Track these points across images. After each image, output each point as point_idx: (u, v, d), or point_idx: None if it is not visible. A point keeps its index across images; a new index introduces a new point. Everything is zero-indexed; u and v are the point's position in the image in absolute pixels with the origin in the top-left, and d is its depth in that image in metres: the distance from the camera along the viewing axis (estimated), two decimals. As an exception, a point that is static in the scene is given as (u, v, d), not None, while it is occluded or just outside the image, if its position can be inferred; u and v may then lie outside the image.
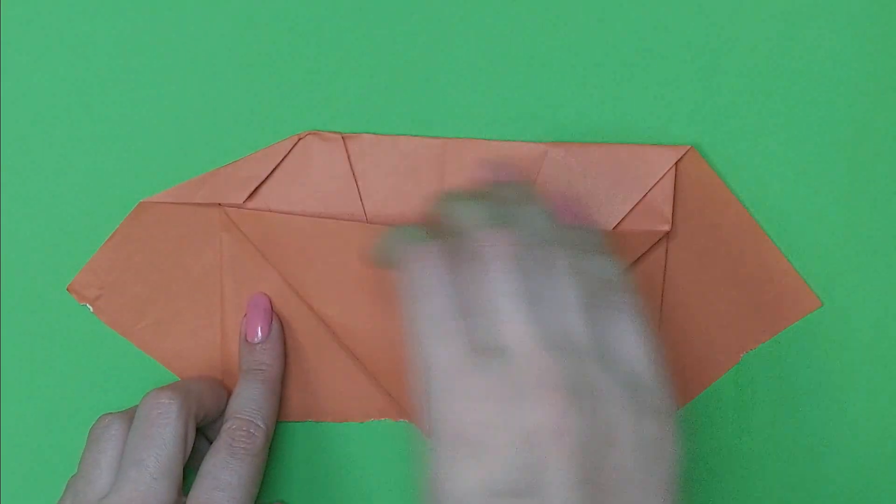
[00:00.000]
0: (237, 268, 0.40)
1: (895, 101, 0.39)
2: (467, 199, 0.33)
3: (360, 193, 0.39)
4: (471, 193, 0.35)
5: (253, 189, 0.39)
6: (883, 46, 0.38)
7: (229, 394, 0.39)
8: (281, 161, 0.39)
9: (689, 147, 0.39)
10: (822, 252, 0.40)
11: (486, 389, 0.28)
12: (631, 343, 0.30)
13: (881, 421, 0.42)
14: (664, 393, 0.30)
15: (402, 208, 0.39)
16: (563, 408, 0.27)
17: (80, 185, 0.40)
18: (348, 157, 0.39)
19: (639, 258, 0.39)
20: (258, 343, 0.40)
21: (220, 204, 0.40)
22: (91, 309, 0.41)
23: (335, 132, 0.39)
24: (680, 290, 0.40)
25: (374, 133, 0.39)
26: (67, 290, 0.41)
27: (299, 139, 0.39)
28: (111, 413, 0.38)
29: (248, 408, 0.38)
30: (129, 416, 0.38)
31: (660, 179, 0.39)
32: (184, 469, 0.37)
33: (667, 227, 0.39)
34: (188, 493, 0.36)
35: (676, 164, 0.39)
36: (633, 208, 0.39)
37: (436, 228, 0.34)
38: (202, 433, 0.40)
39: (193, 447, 0.37)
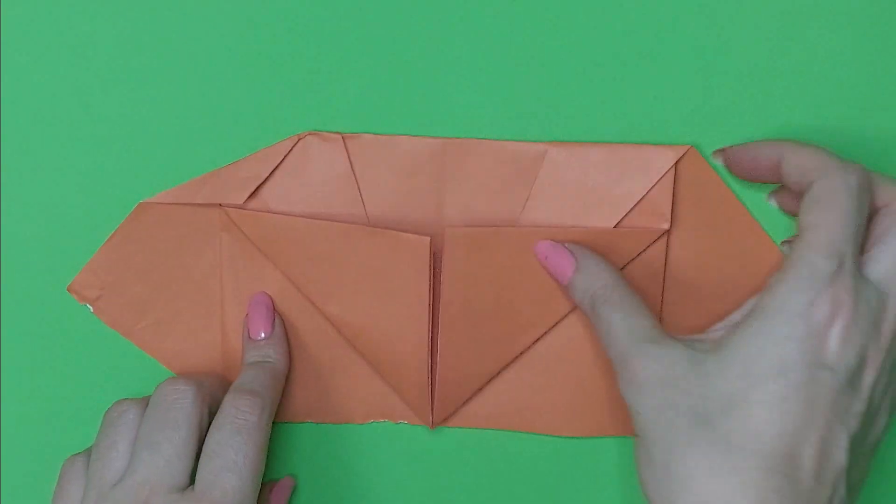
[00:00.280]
0: (237, 268, 0.40)
1: (895, 101, 0.39)
2: None
3: (360, 193, 0.39)
4: None
5: (253, 189, 0.39)
6: (883, 46, 0.38)
7: None
8: (281, 161, 0.39)
9: (688, 147, 0.39)
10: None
11: None
12: None
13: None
14: None
15: (402, 208, 0.39)
16: None
17: (80, 185, 0.40)
18: (348, 157, 0.39)
19: (640, 256, 0.39)
20: (263, 340, 0.40)
21: (220, 204, 0.40)
22: (91, 309, 0.41)
23: (335, 132, 0.39)
24: (680, 289, 0.40)
25: (374, 133, 0.39)
26: (67, 290, 0.41)
27: (299, 139, 0.39)
28: (127, 399, 0.38)
29: (251, 381, 0.38)
30: (145, 403, 0.38)
31: (660, 179, 0.39)
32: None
33: (666, 226, 0.39)
34: (194, 475, 0.36)
35: (676, 163, 0.39)
36: (633, 207, 0.39)
37: None
38: None
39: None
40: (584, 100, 0.39)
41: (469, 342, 0.40)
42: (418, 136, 0.39)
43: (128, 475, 0.35)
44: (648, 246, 0.39)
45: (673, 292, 0.40)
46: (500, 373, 0.41)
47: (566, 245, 0.38)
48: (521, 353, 0.40)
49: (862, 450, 0.34)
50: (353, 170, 0.39)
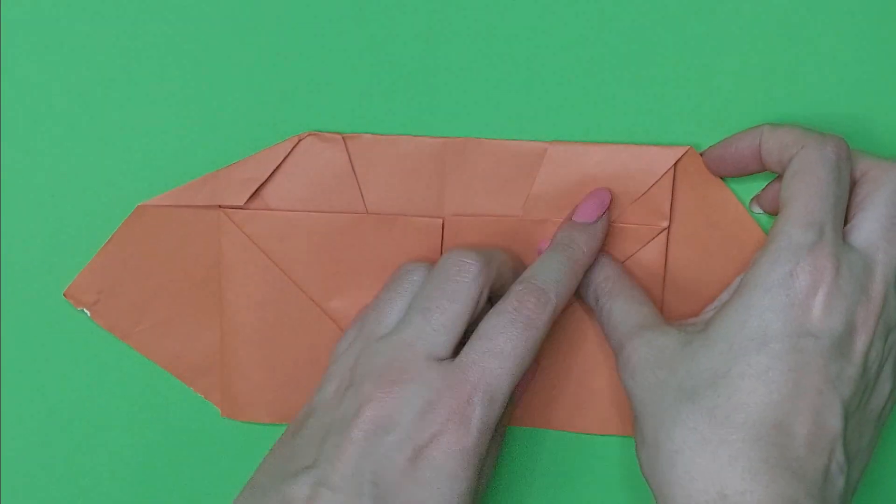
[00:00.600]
0: (236, 270, 0.40)
1: (895, 101, 0.39)
2: None
3: (361, 193, 0.39)
4: None
5: (253, 190, 0.39)
6: (883, 46, 0.38)
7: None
8: (281, 162, 0.39)
9: (688, 147, 0.39)
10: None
11: None
12: None
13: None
14: None
15: (403, 208, 0.39)
16: None
17: (80, 187, 0.40)
18: (349, 158, 0.39)
19: (639, 254, 0.39)
20: (581, 224, 0.38)
21: (219, 206, 0.39)
22: (88, 314, 0.41)
23: (335, 132, 0.39)
24: (678, 286, 0.40)
25: (374, 133, 0.39)
26: (64, 295, 0.40)
27: (299, 140, 0.39)
28: (416, 261, 0.38)
29: (544, 274, 0.36)
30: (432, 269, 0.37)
31: (659, 179, 0.39)
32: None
33: (665, 224, 0.39)
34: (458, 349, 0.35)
35: (676, 163, 0.39)
36: (632, 204, 0.39)
37: None
38: (489, 306, 0.38)
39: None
40: (584, 100, 0.39)
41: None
42: (418, 136, 0.39)
43: (394, 332, 0.35)
44: (647, 243, 0.39)
45: (671, 290, 0.40)
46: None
47: None
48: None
49: (863, 417, 0.34)
50: (353, 170, 0.39)
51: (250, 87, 0.39)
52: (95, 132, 0.39)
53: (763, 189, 0.39)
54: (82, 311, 0.41)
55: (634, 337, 0.36)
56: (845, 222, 0.34)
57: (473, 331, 0.36)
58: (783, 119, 0.39)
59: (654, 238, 0.39)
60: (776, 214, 0.38)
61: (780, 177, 0.36)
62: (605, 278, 0.38)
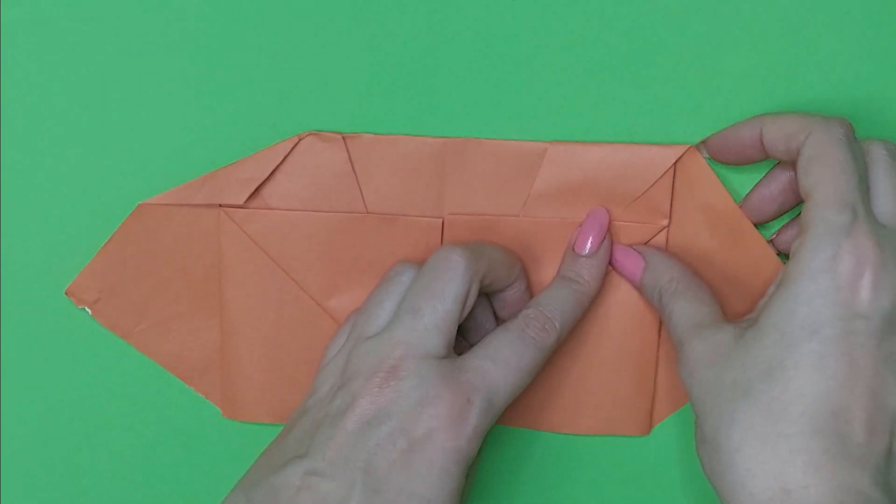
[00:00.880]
0: (237, 269, 0.40)
1: (895, 101, 0.39)
2: None
3: (361, 193, 0.39)
4: None
5: (253, 190, 0.39)
6: (883, 47, 0.38)
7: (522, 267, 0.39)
8: (281, 162, 0.39)
9: (688, 146, 0.39)
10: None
11: None
12: None
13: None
14: None
15: (403, 208, 0.39)
16: None
17: (80, 186, 0.40)
18: (349, 157, 0.39)
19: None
20: (584, 256, 0.39)
21: (219, 205, 0.39)
22: (90, 312, 0.41)
23: (335, 132, 0.39)
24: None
25: (374, 133, 0.39)
26: (66, 293, 0.40)
27: (300, 139, 0.39)
28: (406, 262, 0.38)
29: (551, 304, 0.37)
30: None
31: (660, 178, 0.39)
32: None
33: (665, 222, 0.39)
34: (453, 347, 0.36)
35: (675, 162, 0.39)
36: (632, 203, 0.39)
37: None
38: (489, 303, 0.39)
39: (473, 313, 0.37)
40: (584, 100, 0.39)
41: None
42: (418, 136, 0.39)
43: (385, 331, 0.35)
44: (647, 242, 0.39)
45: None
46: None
47: (635, 247, 0.39)
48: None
49: None
50: (353, 170, 0.39)
51: (250, 87, 0.39)
52: (95, 132, 0.39)
53: (780, 230, 0.39)
54: (83, 309, 0.41)
55: (692, 336, 0.36)
56: None
57: (469, 328, 0.35)
58: (783, 119, 0.39)
59: (654, 236, 0.40)
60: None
61: (791, 215, 0.37)
62: (670, 279, 0.38)
